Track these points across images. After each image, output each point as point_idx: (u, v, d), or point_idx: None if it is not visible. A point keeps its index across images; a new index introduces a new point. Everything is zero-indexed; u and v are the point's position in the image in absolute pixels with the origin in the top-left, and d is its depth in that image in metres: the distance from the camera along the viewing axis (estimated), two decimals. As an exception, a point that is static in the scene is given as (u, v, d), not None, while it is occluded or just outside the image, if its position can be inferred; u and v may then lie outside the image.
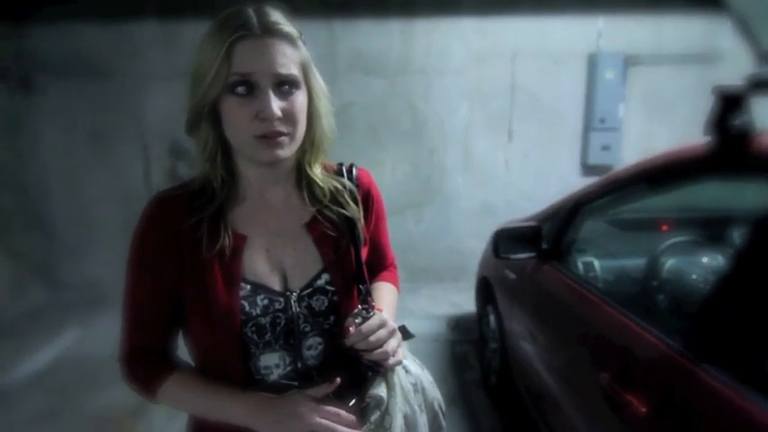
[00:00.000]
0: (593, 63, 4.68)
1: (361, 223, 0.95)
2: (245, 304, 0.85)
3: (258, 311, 0.86)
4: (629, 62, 4.68)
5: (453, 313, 4.23)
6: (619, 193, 1.91)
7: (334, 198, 0.94)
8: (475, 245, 3.92)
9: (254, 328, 0.86)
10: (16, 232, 4.54)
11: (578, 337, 1.77)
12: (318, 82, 0.86)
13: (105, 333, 3.95)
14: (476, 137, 4.92)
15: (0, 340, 3.92)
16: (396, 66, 4.77)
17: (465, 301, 4.21)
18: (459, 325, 4.01)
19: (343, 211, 0.93)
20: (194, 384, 0.88)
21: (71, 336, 3.99)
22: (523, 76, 4.79)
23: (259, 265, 0.88)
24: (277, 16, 0.79)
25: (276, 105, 0.77)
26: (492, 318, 2.90)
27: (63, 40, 4.52)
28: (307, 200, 0.93)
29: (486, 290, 3.05)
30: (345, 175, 0.98)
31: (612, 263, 2.15)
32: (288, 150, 0.82)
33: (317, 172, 0.93)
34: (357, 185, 0.98)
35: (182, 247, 0.84)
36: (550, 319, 2.05)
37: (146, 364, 0.90)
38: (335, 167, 0.99)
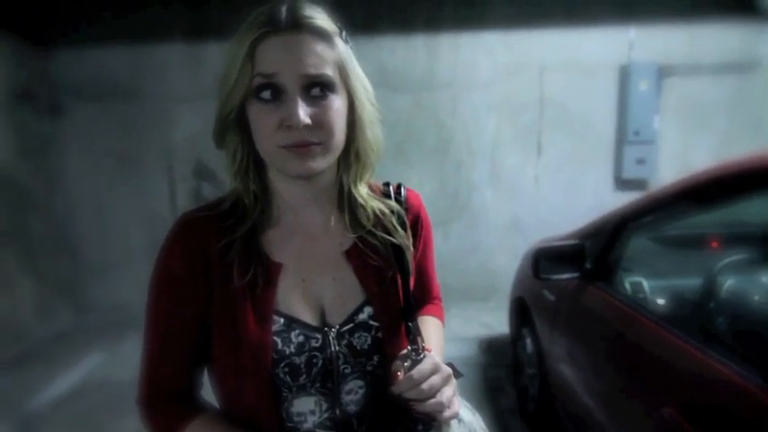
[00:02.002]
0: (625, 74, 4.55)
1: (410, 251, 0.84)
2: (278, 341, 0.74)
3: (292, 350, 0.75)
4: (664, 73, 4.54)
5: (485, 335, 4.07)
6: (667, 210, 1.79)
7: (380, 222, 0.83)
8: (505, 262, 3.79)
9: (287, 369, 0.75)
10: (43, 254, 4.56)
11: (631, 363, 1.66)
12: (362, 84, 0.76)
13: (130, 357, 3.90)
14: (504, 151, 4.81)
15: (26, 363, 3.91)
16: (421, 81, 4.71)
17: (497, 322, 4.05)
18: (491, 347, 3.86)
19: (389, 237, 0.82)
20: None
21: (96, 359, 3.95)
22: (552, 88, 4.69)
23: (294, 297, 0.78)
24: (311, 10, 0.70)
25: (304, 111, 0.67)
26: (529, 341, 2.76)
27: (89, 64, 4.58)
28: (348, 224, 0.82)
29: (521, 311, 2.92)
30: (393, 196, 0.86)
31: (662, 283, 2.01)
32: (321, 162, 0.72)
33: (361, 192, 0.82)
34: (406, 209, 0.86)
35: (210, 273, 0.75)
36: (598, 343, 1.92)
37: (166, 408, 0.80)
38: (381, 188, 0.88)
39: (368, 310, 0.79)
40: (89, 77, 4.59)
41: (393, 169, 4.67)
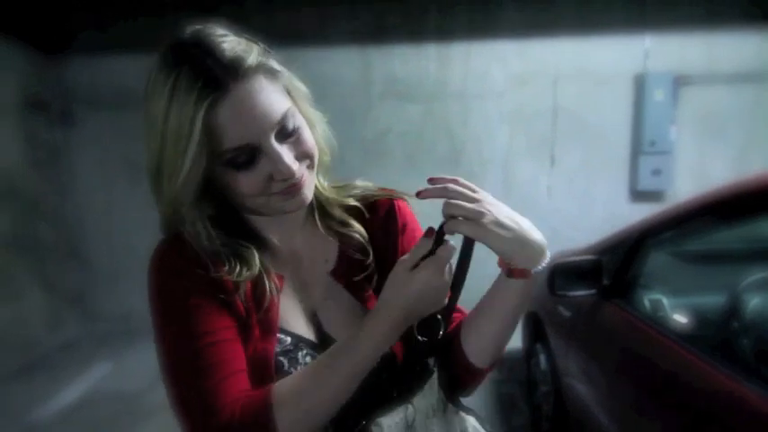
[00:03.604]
0: (640, 84, 4.48)
1: (389, 250, 0.82)
2: (284, 361, 0.70)
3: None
4: (680, 82, 4.46)
5: (496, 348, 3.99)
6: (689, 226, 1.73)
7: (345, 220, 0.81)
8: (518, 275, 3.71)
9: None
10: (53, 263, 4.56)
11: (650, 383, 1.60)
12: (302, 90, 0.71)
13: (136, 367, 3.91)
14: (516, 161, 4.75)
15: (34, 373, 3.90)
16: (432, 90, 4.68)
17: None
18: (503, 362, 3.77)
19: (358, 236, 0.81)
20: (302, 371, 0.65)
21: (103, 369, 3.93)
22: (566, 98, 4.63)
23: (294, 315, 0.74)
24: (232, 43, 0.63)
25: (289, 159, 0.65)
26: (543, 357, 2.69)
27: (101, 72, 4.59)
28: (320, 225, 0.80)
29: (535, 327, 2.85)
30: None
31: (683, 300, 1.95)
32: (311, 186, 0.71)
33: (323, 188, 0.80)
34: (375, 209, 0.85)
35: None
36: (615, 362, 1.87)
37: (243, 393, 0.64)
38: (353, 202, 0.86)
39: None
40: (100, 86, 4.61)
41: (404, 179, 4.58)
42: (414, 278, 0.63)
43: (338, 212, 0.81)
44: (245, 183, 0.65)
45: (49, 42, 4.51)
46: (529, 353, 3.03)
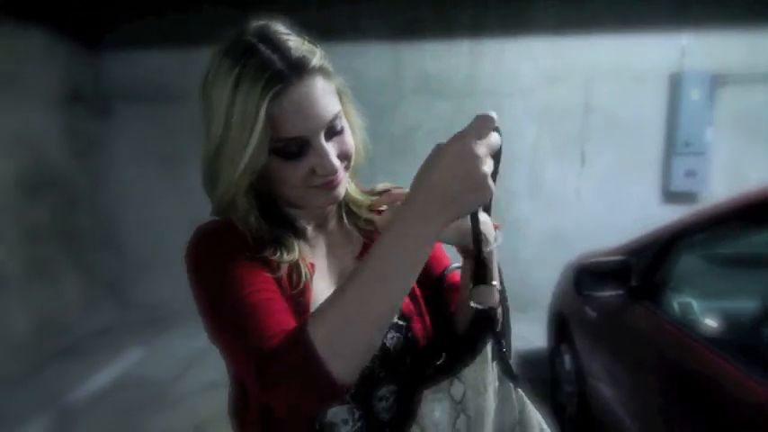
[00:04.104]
0: (675, 83, 4.39)
1: None
2: None
3: None
4: (717, 82, 4.35)
5: (522, 348, 3.97)
6: (722, 228, 1.70)
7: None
8: (544, 274, 3.69)
9: None
10: (90, 251, 4.71)
11: (677, 387, 1.58)
12: (348, 96, 0.76)
13: (167, 354, 4.04)
14: (545, 160, 4.71)
15: (69, 357, 4.04)
16: (462, 87, 4.66)
17: (534, 335, 3.94)
18: (527, 361, 3.76)
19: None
20: (333, 293, 0.61)
21: (136, 355, 4.05)
22: (598, 96, 4.56)
23: (325, 297, 0.77)
24: (297, 43, 0.67)
25: (334, 156, 0.69)
26: (567, 358, 2.67)
27: (138, 66, 4.72)
28: (345, 221, 0.85)
29: (560, 327, 2.83)
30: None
31: (714, 304, 1.91)
32: (345, 184, 0.75)
33: (351, 189, 0.84)
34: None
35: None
36: (643, 365, 1.85)
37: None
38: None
39: None
40: (137, 80, 4.73)
41: (431, 176, 4.63)
42: (441, 150, 0.56)
43: (365, 213, 0.84)
44: (290, 172, 0.68)
45: (90, 37, 4.64)
46: (553, 353, 3.01)
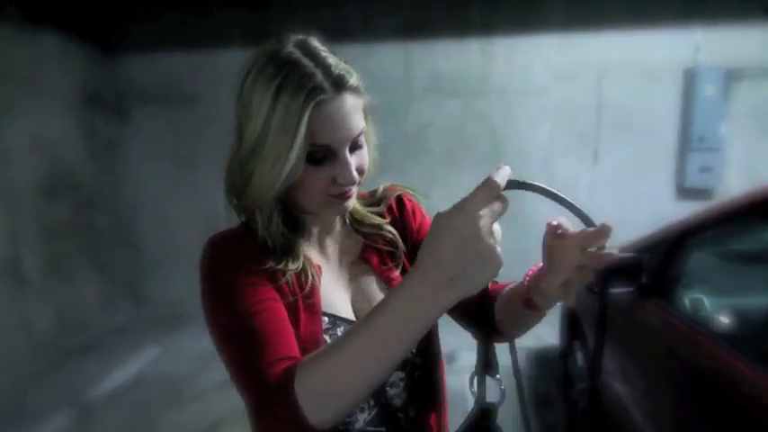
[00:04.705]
0: (689, 78, 4.35)
1: (403, 234, 0.92)
2: (327, 339, 0.77)
3: None
4: (732, 77, 4.30)
5: (534, 345, 3.96)
6: (733, 225, 1.69)
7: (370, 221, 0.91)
8: (557, 273, 3.67)
9: None
10: (108, 250, 4.79)
11: (688, 384, 1.58)
12: (371, 116, 0.81)
13: (183, 352, 4.10)
14: (558, 158, 4.69)
15: (87, 355, 4.11)
16: (474, 86, 4.66)
17: (546, 332, 3.92)
18: (540, 359, 3.76)
19: (377, 222, 0.90)
20: (328, 345, 0.62)
21: (152, 353, 4.12)
22: (611, 93, 4.53)
23: (333, 297, 0.82)
24: (335, 60, 0.72)
25: (354, 168, 0.74)
26: (580, 355, 2.68)
27: (153, 68, 4.78)
28: (348, 223, 0.90)
29: (572, 324, 2.83)
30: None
31: (725, 301, 1.90)
32: (355, 197, 0.80)
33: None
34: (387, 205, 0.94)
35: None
36: (654, 361, 1.85)
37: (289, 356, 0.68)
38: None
39: None
40: (153, 82, 4.80)
41: (443, 174, 4.63)
42: (445, 224, 0.53)
43: (368, 221, 0.90)
44: (312, 177, 0.73)
45: (106, 40, 4.72)
46: (566, 351, 3.02)
